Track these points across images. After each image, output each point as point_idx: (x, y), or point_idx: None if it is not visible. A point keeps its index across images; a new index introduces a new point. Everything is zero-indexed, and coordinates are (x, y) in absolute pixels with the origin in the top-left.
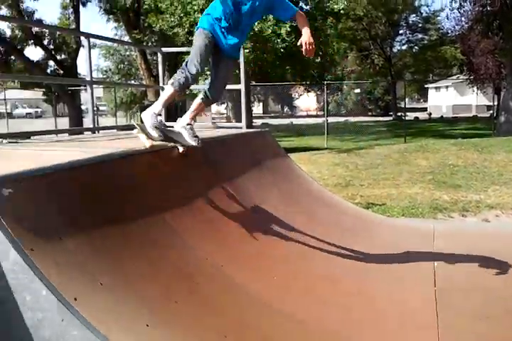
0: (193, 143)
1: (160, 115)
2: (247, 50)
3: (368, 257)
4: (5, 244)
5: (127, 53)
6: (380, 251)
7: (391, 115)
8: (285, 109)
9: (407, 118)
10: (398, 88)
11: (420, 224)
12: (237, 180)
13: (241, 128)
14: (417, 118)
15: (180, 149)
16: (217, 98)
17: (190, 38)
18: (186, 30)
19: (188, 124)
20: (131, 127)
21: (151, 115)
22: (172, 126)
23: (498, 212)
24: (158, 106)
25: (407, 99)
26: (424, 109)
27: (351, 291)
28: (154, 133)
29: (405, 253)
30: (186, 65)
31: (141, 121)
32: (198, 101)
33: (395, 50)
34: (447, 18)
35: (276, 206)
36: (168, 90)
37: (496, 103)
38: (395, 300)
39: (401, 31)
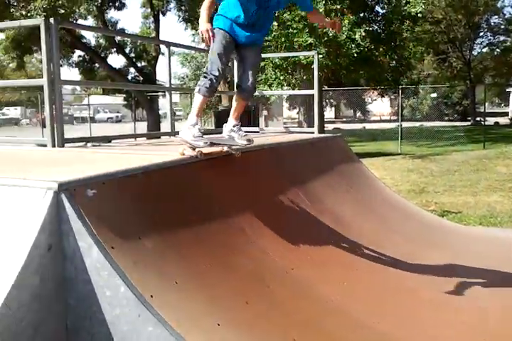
0: (243, 142)
1: (197, 124)
2: (321, 56)
3: (446, 267)
4: (88, 241)
5: (203, 60)
6: (458, 260)
7: (469, 120)
8: (357, 114)
9: (486, 123)
10: (477, 92)
11: (499, 234)
12: (309, 185)
13: (313, 133)
14: (497, 123)
15: (236, 154)
16: (252, 88)
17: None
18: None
19: (234, 126)
20: (207, 132)
21: (188, 128)
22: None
23: None
24: (192, 118)
25: (486, 104)
26: (505, 114)
27: (431, 302)
28: (199, 143)
29: (484, 263)
30: (208, 68)
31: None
32: (235, 99)
33: (474, 52)
34: None
35: (349, 212)
36: (197, 99)
37: None
38: (481, 310)
39: (481, 33)
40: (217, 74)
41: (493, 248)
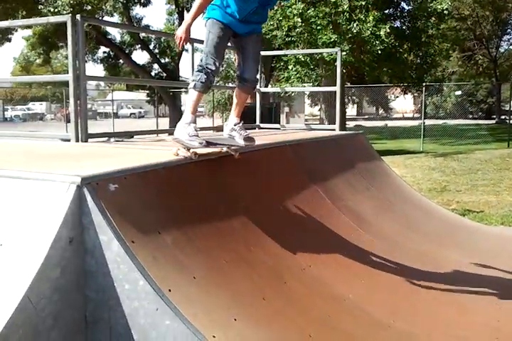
0: (243, 142)
1: (193, 122)
2: (345, 52)
3: (465, 267)
4: (109, 235)
5: (226, 56)
6: (478, 260)
7: (494, 118)
8: (380, 111)
9: (511, 121)
10: (503, 90)
11: None
12: (329, 182)
13: (334, 130)
14: None
15: (235, 154)
16: (255, 79)
17: (287, 40)
18: (284, 33)
19: (236, 124)
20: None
21: (183, 126)
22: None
23: None
24: (187, 115)
25: None
26: None
27: (450, 301)
28: (194, 143)
29: (505, 263)
30: (202, 61)
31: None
32: (236, 93)
33: (501, 49)
34: None
35: (369, 210)
36: (192, 94)
37: None
38: (501, 311)
39: (509, 30)
40: (213, 68)
41: None
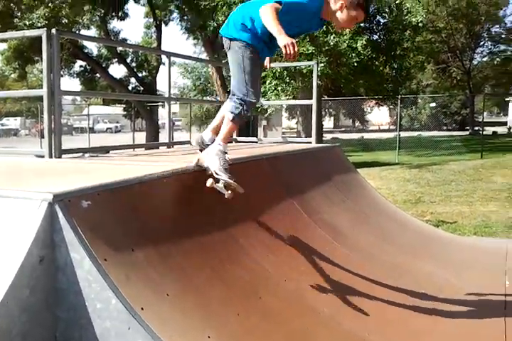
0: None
1: (226, 153)
2: (322, 64)
3: (439, 277)
4: (81, 253)
5: (204, 70)
6: (452, 271)
7: (467, 129)
8: (356, 124)
9: (484, 132)
10: (476, 101)
11: (493, 244)
12: (306, 195)
13: (310, 143)
14: (495, 132)
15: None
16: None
17: None
18: None
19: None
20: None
21: (217, 154)
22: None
23: None
24: (221, 143)
25: (485, 113)
26: (504, 123)
27: (425, 313)
28: (225, 176)
29: (475, 272)
30: (242, 92)
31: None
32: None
33: (474, 62)
34: None
35: (345, 223)
36: (228, 125)
37: None
38: (476, 321)
39: (482, 43)
40: (255, 100)
41: (487, 258)
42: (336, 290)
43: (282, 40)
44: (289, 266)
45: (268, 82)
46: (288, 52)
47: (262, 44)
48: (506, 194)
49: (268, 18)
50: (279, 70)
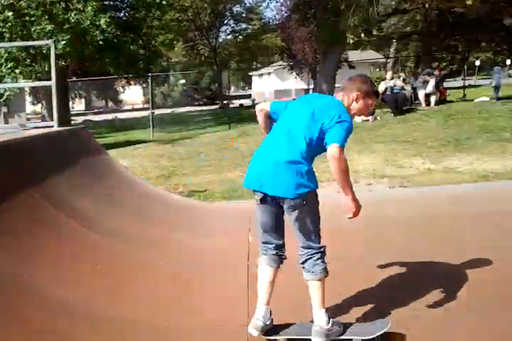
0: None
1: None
2: (64, 42)
3: (190, 242)
4: None
5: None
6: (202, 235)
7: (217, 104)
8: (110, 104)
9: (233, 105)
10: (224, 77)
11: (239, 205)
12: (48, 185)
13: (52, 126)
14: (241, 105)
15: None
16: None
17: None
18: None
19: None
20: None
21: (333, 325)
22: None
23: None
24: (324, 310)
25: (233, 88)
26: (250, 96)
27: (168, 277)
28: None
29: (224, 233)
30: (317, 242)
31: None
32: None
33: (220, 40)
34: (268, 8)
35: (94, 207)
36: (321, 286)
37: (312, 86)
38: (214, 283)
39: (226, 21)
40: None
41: (234, 219)
42: (84, 278)
43: (356, 204)
44: (30, 260)
45: (4, 65)
46: (355, 215)
47: None
48: (249, 159)
49: (344, 177)
50: (15, 52)
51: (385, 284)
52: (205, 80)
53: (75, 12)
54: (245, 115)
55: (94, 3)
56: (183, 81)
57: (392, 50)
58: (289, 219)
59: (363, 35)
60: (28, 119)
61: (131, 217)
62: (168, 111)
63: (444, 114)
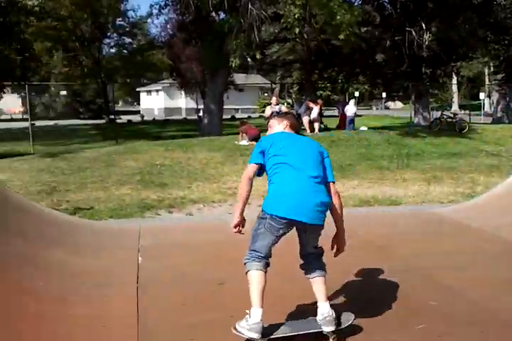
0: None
1: None
2: None
3: (71, 263)
4: None
5: None
6: (86, 255)
7: (104, 118)
8: None
9: (121, 121)
10: (109, 91)
11: (127, 225)
12: None
13: None
14: (130, 120)
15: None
16: None
17: None
18: None
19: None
20: None
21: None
22: None
23: (201, 206)
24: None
25: (121, 103)
26: (138, 112)
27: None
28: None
29: (111, 253)
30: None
31: None
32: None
33: (103, 52)
34: (153, 24)
35: None
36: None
37: (201, 106)
38: (99, 304)
39: (109, 34)
40: None
41: (123, 238)
42: None
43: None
44: None
45: None
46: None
47: None
48: (138, 177)
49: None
50: None
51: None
52: (90, 93)
53: None
54: (134, 131)
55: None
56: (64, 92)
57: (278, 75)
58: (308, 237)
59: (249, 59)
60: None
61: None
62: (51, 123)
63: (328, 141)
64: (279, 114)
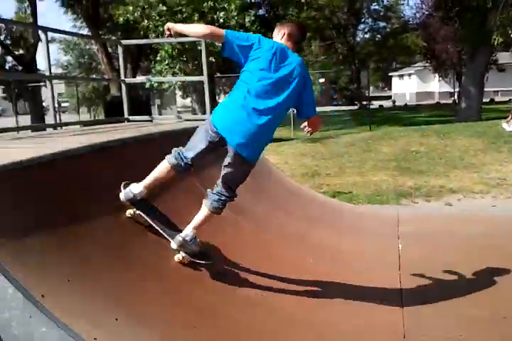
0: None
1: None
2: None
3: (336, 242)
4: None
5: (87, 47)
6: (348, 237)
7: (356, 104)
8: None
9: (372, 106)
10: (362, 77)
11: (385, 211)
12: (207, 172)
13: (205, 120)
14: (381, 106)
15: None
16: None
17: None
18: (153, 22)
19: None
20: (95, 122)
21: (193, 243)
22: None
23: (460, 196)
24: (195, 232)
25: (372, 88)
26: (389, 97)
27: (321, 273)
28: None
29: (371, 238)
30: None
31: None
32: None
33: (357, 38)
34: (408, 6)
35: (248, 200)
36: (208, 216)
37: (457, 89)
38: (362, 281)
39: (363, 20)
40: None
41: (381, 224)
42: (233, 265)
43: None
44: None
45: (161, 58)
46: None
47: None
48: (394, 163)
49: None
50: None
51: None
52: (344, 80)
53: (223, 12)
54: (386, 117)
55: (237, 2)
56: (321, 80)
57: None
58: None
59: None
60: (178, 112)
61: (279, 211)
62: None
63: None
64: None
